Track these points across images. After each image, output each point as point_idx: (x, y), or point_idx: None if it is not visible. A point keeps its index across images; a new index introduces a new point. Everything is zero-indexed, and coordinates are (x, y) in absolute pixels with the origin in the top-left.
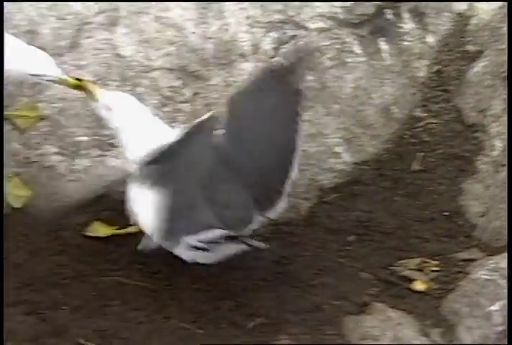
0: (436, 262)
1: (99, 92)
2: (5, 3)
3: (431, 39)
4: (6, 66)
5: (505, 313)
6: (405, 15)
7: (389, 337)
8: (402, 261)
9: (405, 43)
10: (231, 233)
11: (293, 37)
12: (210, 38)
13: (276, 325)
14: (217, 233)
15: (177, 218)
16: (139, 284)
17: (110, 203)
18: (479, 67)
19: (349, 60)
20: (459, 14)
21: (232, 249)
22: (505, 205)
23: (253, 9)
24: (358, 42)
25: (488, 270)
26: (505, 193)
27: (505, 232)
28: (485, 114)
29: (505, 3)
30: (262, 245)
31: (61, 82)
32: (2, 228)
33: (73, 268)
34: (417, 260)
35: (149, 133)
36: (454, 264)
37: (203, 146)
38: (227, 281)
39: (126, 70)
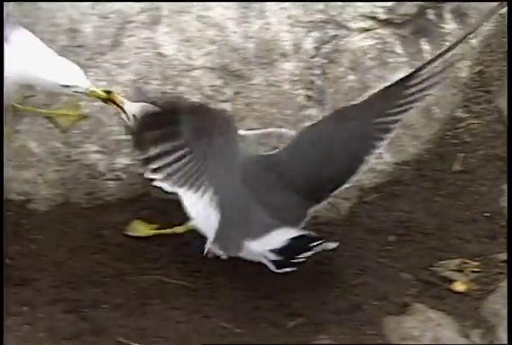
0: (477, 263)
1: (127, 104)
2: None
3: (473, 39)
4: (37, 75)
5: None
6: (448, 15)
7: (429, 338)
8: (442, 262)
9: (447, 43)
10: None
11: (335, 36)
12: (251, 37)
13: (316, 325)
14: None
15: (233, 223)
16: (179, 283)
17: (150, 202)
18: None
19: (390, 60)
20: (501, 14)
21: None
22: None
23: (294, 9)
24: (400, 42)
25: None
26: None
27: None
28: None
29: None
30: (333, 245)
31: (90, 94)
32: (2, 228)
33: (113, 266)
34: (457, 261)
35: None
36: (494, 265)
37: (237, 149)
38: (267, 280)
39: (168, 68)
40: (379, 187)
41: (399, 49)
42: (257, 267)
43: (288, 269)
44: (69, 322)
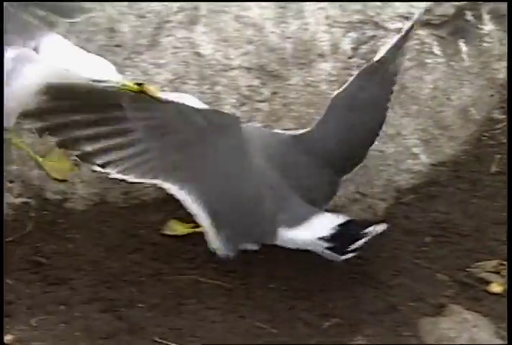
0: None
1: (161, 96)
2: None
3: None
4: (70, 73)
5: None
6: (486, 16)
7: (465, 339)
8: (479, 264)
9: (485, 44)
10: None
11: (373, 37)
12: (289, 37)
13: (352, 325)
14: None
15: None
16: (215, 283)
17: None
18: None
19: (428, 60)
20: None
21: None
22: None
23: (332, 9)
24: (437, 43)
25: None
26: None
27: None
28: None
29: None
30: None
31: (122, 87)
32: (2, 228)
33: (149, 266)
34: (494, 262)
35: None
36: None
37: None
38: (303, 281)
39: (205, 68)
40: (415, 188)
41: (437, 50)
42: (293, 267)
43: (350, 255)
44: (105, 321)
